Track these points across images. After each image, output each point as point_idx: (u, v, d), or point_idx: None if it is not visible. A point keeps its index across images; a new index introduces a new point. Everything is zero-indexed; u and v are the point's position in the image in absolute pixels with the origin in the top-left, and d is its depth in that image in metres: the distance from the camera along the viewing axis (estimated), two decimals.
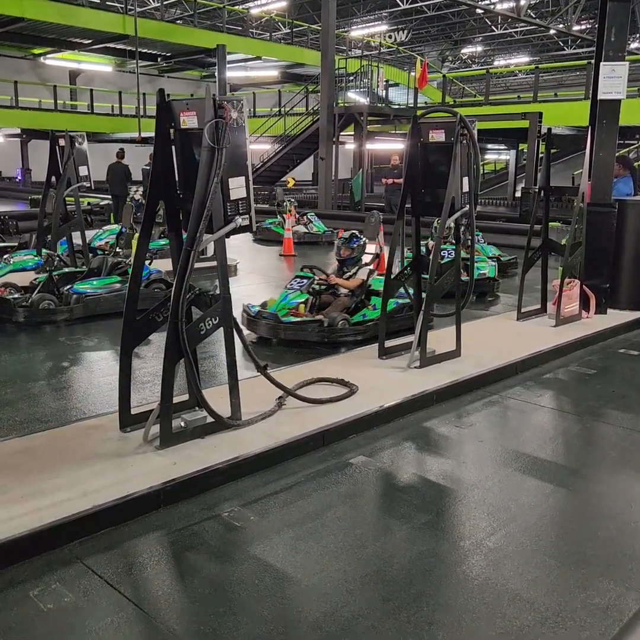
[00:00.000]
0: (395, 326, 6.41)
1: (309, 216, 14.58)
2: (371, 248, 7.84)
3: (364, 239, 6.91)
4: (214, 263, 3.90)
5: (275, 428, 4.05)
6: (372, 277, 6.76)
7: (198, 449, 3.76)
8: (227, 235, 3.79)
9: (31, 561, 2.89)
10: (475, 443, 4.27)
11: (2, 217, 14.38)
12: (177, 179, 3.86)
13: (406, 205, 5.36)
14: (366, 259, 7.06)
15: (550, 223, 9.43)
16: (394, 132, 20.68)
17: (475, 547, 3.08)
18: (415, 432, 4.37)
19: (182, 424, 3.91)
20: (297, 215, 14.28)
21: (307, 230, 14.08)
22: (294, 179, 26.82)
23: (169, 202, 3.88)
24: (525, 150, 20.49)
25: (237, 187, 3.77)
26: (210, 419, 3.94)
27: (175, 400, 3.98)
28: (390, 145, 21.12)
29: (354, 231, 6.96)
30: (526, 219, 8.63)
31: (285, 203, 14.66)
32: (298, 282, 6.64)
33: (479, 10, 25.85)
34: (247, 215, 3.83)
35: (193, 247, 3.61)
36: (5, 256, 8.80)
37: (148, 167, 15.20)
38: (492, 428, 4.54)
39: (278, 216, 14.61)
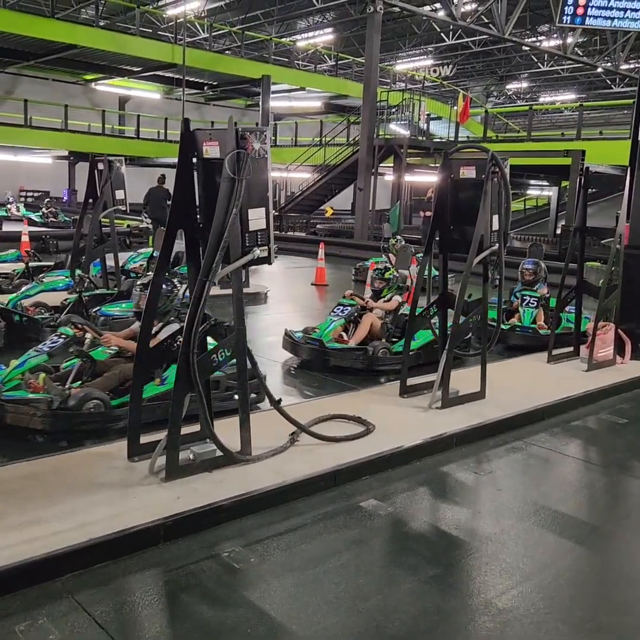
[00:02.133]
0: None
1: (419, 257, 12.75)
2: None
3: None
4: (248, 290, 3.85)
5: (285, 465, 3.94)
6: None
7: (204, 483, 3.67)
8: (244, 266, 3.74)
9: (23, 593, 2.82)
10: (493, 492, 4.10)
11: (43, 236, 14.70)
12: (198, 208, 3.84)
13: None
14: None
15: (590, 263, 9.21)
16: (433, 165, 20.63)
17: (483, 607, 2.91)
18: (431, 476, 4.22)
19: (191, 456, 3.83)
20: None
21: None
22: (332, 208, 26.98)
23: (189, 231, 3.85)
24: (568, 188, 20.21)
25: (257, 218, 3.72)
26: (219, 453, 3.85)
27: (188, 430, 3.92)
28: (430, 178, 21.07)
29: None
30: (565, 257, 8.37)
31: (391, 241, 12.49)
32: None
33: (525, 47, 25.86)
34: (266, 247, 3.78)
35: (208, 277, 3.56)
36: (40, 275, 8.93)
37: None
38: (512, 476, 4.36)
39: (383, 255, 12.36)
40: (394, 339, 6.76)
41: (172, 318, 5.05)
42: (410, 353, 6.29)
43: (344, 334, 6.70)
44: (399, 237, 13.03)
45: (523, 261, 8.54)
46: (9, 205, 20.91)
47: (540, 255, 10.23)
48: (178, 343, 4.62)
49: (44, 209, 20.27)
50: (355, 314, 6.80)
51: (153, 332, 4.85)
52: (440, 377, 5.08)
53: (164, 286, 5.02)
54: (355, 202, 22.70)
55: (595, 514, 3.94)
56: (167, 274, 8.84)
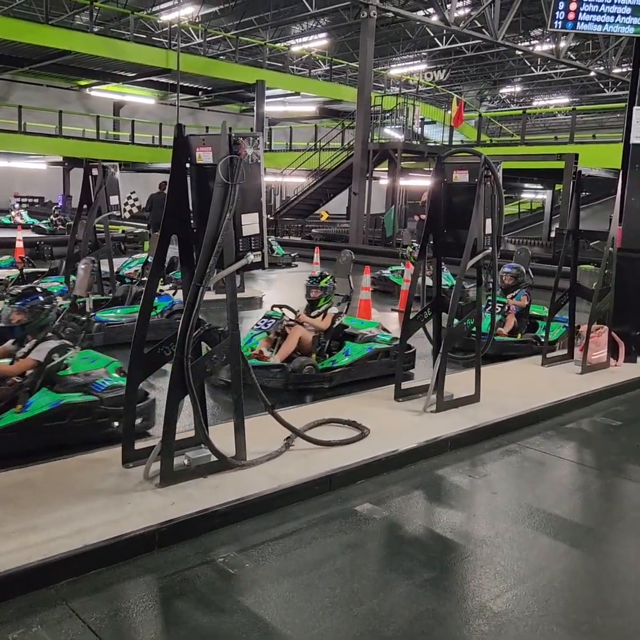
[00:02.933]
0: None
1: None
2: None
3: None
4: (243, 295, 3.84)
5: (280, 470, 3.94)
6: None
7: (199, 488, 3.67)
8: (238, 271, 3.75)
9: (17, 600, 2.81)
10: (488, 495, 4.11)
11: (37, 242, 14.68)
12: (191, 213, 3.84)
13: None
14: None
15: (583, 266, 9.20)
16: (427, 169, 20.68)
17: (478, 610, 2.91)
18: (426, 480, 4.22)
19: (186, 461, 3.83)
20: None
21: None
22: (327, 212, 27.01)
23: (182, 236, 3.85)
24: (561, 191, 20.28)
25: (250, 223, 3.73)
26: (214, 458, 3.85)
27: (182, 436, 3.92)
28: (424, 182, 21.13)
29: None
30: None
31: (408, 248, 12.02)
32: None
33: (518, 52, 25.97)
34: (260, 252, 3.78)
35: (202, 282, 3.57)
36: (34, 281, 8.92)
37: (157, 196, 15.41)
38: (507, 479, 4.36)
39: (401, 263, 11.99)
40: (332, 352, 6.26)
41: (50, 334, 4.64)
42: (339, 370, 5.97)
43: (264, 349, 6.08)
44: (416, 243, 12.32)
45: (504, 265, 8.17)
46: (12, 213, 20.76)
47: (526, 261, 9.98)
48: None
49: (52, 217, 20.12)
50: (282, 327, 6.24)
51: (25, 350, 4.56)
52: (435, 381, 5.08)
53: (40, 298, 4.66)
54: (350, 207, 22.75)
55: (590, 516, 3.95)
56: (162, 279, 8.87)
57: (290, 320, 6.28)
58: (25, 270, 9.62)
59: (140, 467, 3.80)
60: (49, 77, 26.65)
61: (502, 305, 7.59)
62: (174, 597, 2.92)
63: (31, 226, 19.98)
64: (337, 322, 6.41)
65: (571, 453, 4.90)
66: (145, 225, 17.03)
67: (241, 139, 3.57)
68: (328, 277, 6.55)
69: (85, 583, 2.95)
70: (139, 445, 3.93)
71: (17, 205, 22.21)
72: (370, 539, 3.53)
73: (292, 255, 16.14)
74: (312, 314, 6.39)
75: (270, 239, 16.18)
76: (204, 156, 3.70)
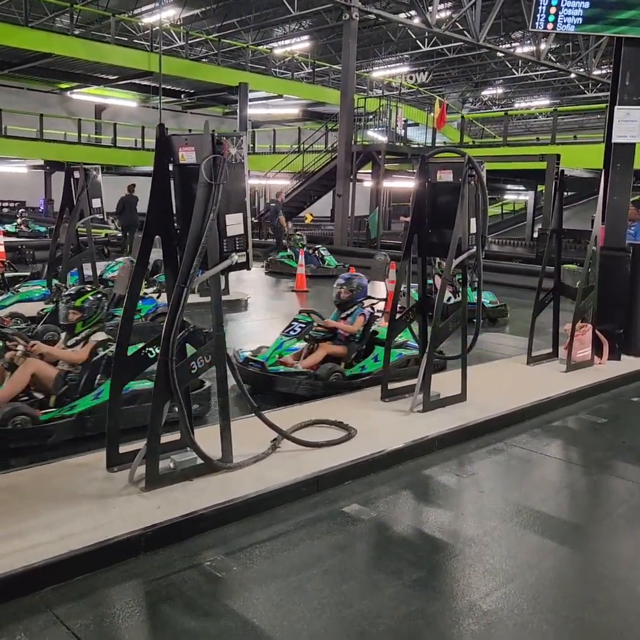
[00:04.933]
0: None
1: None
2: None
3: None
4: (228, 297, 3.80)
5: (267, 472, 3.91)
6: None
7: (185, 491, 3.63)
8: (223, 272, 3.72)
9: (0, 607, 2.76)
10: (475, 494, 4.10)
11: (19, 246, 14.53)
12: (174, 214, 3.81)
13: None
14: None
15: (566, 265, 9.25)
16: (411, 170, 20.73)
17: (468, 609, 2.90)
18: (413, 479, 4.21)
19: (171, 464, 3.79)
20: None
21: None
22: (312, 214, 27.00)
23: (166, 238, 3.82)
24: (544, 191, 20.41)
25: (235, 224, 3.70)
26: (200, 461, 3.81)
27: (168, 439, 3.88)
28: (408, 184, 21.18)
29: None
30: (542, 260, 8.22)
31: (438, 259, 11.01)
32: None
33: (499, 54, 26.13)
34: (244, 252, 3.75)
35: (186, 283, 3.53)
36: (16, 286, 8.84)
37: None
38: (494, 478, 4.36)
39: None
40: (67, 399, 4.63)
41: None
42: (59, 422, 4.49)
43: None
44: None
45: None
46: (18, 220, 20.37)
47: (382, 269, 7.86)
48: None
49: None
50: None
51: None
52: (421, 380, 5.08)
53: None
54: (334, 209, 22.75)
55: (577, 513, 3.96)
56: (146, 282, 8.80)
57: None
58: (6, 274, 9.52)
59: (125, 471, 3.76)
60: (30, 80, 26.41)
61: (303, 326, 5.96)
62: (161, 602, 2.89)
63: (44, 235, 19.54)
64: (100, 353, 4.84)
65: (557, 451, 4.91)
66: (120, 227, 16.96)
67: (224, 138, 3.55)
68: (88, 294, 5.06)
69: (69, 589, 2.91)
70: (123, 448, 3.88)
71: (24, 213, 21.79)
72: (358, 540, 3.51)
73: (346, 266, 14.02)
74: (68, 344, 5.03)
75: (321, 249, 14.88)
76: (186, 156, 3.66)
